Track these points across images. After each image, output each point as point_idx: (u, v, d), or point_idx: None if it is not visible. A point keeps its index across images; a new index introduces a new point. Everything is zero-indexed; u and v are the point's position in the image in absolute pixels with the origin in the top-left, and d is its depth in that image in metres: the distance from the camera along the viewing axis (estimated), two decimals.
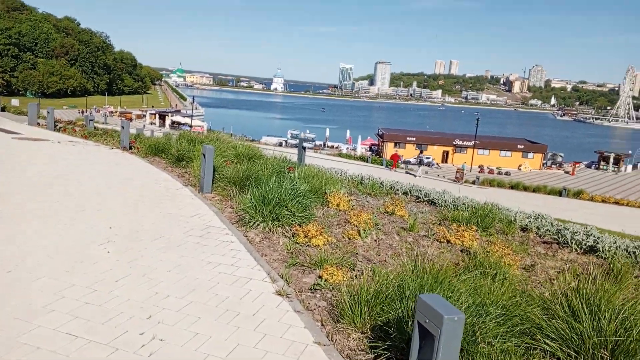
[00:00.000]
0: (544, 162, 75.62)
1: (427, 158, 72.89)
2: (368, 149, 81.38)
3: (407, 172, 43.54)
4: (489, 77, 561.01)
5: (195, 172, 10.50)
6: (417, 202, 12.85)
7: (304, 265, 5.62)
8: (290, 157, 17.76)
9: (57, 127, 17.99)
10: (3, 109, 22.62)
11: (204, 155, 8.82)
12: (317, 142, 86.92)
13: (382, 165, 44.86)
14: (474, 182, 39.80)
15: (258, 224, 6.78)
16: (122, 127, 13.86)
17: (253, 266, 5.41)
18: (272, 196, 6.90)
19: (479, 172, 56.90)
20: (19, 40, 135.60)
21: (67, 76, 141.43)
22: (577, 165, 73.90)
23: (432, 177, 44.98)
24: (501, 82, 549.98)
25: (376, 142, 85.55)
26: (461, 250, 7.14)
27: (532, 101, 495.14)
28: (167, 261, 5.30)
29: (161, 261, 5.28)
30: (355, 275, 5.32)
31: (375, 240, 7.00)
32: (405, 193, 13.99)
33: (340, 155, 47.44)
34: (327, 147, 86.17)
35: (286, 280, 5.12)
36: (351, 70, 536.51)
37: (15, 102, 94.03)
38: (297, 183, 7.94)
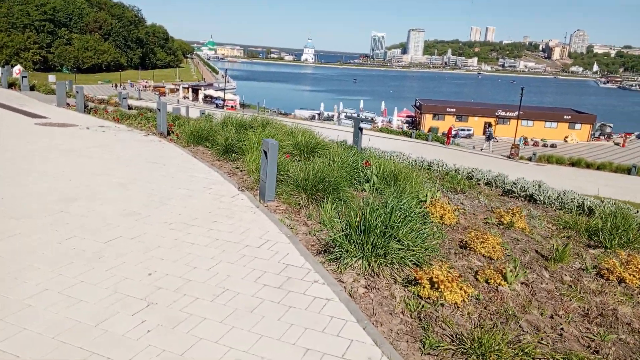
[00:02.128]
0: (592, 133, 71.04)
1: (468, 130, 69.53)
2: (404, 121, 78.09)
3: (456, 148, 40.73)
4: (527, 43, 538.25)
5: (249, 167, 8.49)
6: (505, 195, 10.61)
7: (450, 349, 3.55)
8: (338, 136, 15.59)
9: (88, 107, 16.29)
10: (32, 88, 21.11)
11: (265, 152, 6.78)
12: (360, 115, 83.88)
13: (427, 140, 42.08)
14: (530, 159, 36.74)
15: (355, 262, 4.73)
16: (159, 110, 11.95)
17: (371, 355, 3.37)
18: (375, 222, 4.80)
19: (524, 144, 53.27)
20: (54, 16, 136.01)
21: (101, 51, 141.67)
22: (628, 136, 69.00)
23: (480, 153, 42.03)
24: (540, 48, 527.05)
25: (413, 114, 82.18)
26: None
27: (573, 68, 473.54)
28: (239, 349, 3.31)
29: (231, 349, 3.29)
30: None
31: (527, 285, 4.85)
32: (488, 184, 11.75)
33: (381, 130, 44.78)
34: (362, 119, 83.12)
35: None
36: (383, 38, 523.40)
37: (52, 77, 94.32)
38: (402, 196, 5.80)
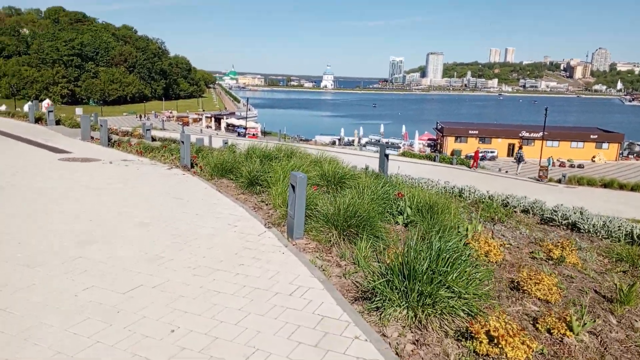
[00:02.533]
0: (620, 152, 69.05)
1: (492, 152, 68.39)
2: (426, 144, 77.26)
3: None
4: (548, 63, 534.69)
5: (275, 201, 8.10)
6: (545, 224, 9.98)
7: None
8: (366, 166, 15.13)
9: (111, 141, 16.28)
10: (58, 122, 21.37)
11: (292, 186, 6.38)
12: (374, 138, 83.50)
13: (451, 163, 41.29)
14: (559, 181, 35.58)
15: (399, 312, 4.23)
16: (182, 142, 11.74)
17: None
18: (420, 266, 4.30)
19: (552, 165, 51.84)
20: (82, 51, 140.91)
21: (126, 83, 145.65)
22: None
23: (507, 176, 41.01)
24: (561, 68, 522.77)
25: (434, 137, 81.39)
26: None
27: (596, 87, 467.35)
28: None
29: None
30: None
31: (595, 335, 4.26)
32: (525, 211, 11.12)
33: (404, 154, 44.20)
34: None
35: None
36: (402, 62, 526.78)
37: (79, 110, 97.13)
38: (444, 233, 5.29)
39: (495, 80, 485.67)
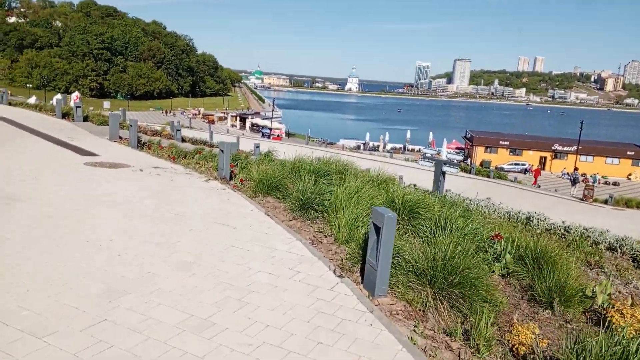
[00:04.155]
0: None
1: (523, 165, 65.97)
2: (454, 153, 74.93)
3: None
4: (578, 74, 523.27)
5: (338, 234, 6.68)
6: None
7: None
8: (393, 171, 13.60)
9: (141, 142, 15.10)
10: (85, 119, 20.35)
11: (376, 227, 4.94)
12: (397, 145, 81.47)
13: (488, 176, 39.37)
14: (606, 202, 33.35)
15: None
16: (222, 152, 10.40)
17: None
18: None
19: (583, 181, 49.32)
20: (111, 45, 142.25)
21: (153, 78, 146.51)
22: None
23: (550, 194, 38.87)
24: (592, 79, 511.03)
25: (463, 146, 79.15)
26: None
27: (628, 100, 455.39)
28: None
29: None
30: None
31: None
32: (611, 248, 9.47)
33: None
34: (408, 150, 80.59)
35: None
36: (428, 68, 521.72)
37: (106, 104, 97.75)
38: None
39: (523, 90, 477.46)
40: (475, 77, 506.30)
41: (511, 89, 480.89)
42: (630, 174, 63.98)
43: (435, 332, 4.39)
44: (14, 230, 6.01)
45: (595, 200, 34.31)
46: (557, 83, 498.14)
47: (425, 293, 4.94)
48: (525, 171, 61.89)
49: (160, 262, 5.33)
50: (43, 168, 10.18)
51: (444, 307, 4.81)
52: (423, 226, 6.83)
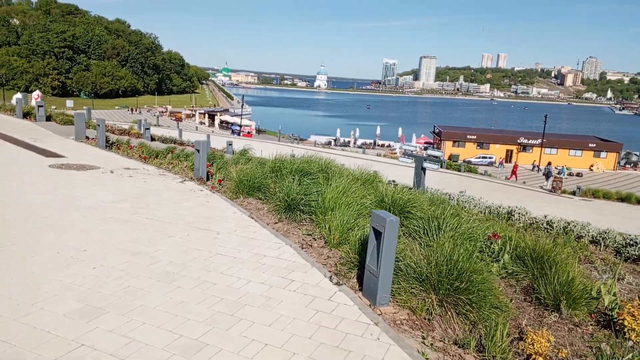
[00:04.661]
0: (618, 161, 68.37)
1: (490, 158, 67.23)
2: (423, 148, 75.80)
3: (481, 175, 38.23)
4: (540, 70, 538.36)
5: (329, 237, 6.32)
6: (629, 262, 8.36)
7: None
8: (380, 172, 13.46)
9: (109, 142, 14.37)
10: (49, 118, 19.34)
11: (376, 231, 4.62)
12: (367, 141, 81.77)
13: (459, 170, 39.75)
14: (574, 193, 34.11)
15: None
16: (197, 151, 9.88)
17: None
18: None
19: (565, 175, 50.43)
20: (73, 43, 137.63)
21: (118, 77, 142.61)
22: None
23: (519, 186, 39.52)
24: (552, 75, 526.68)
25: (431, 141, 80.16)
26: None
27: (587, 95, 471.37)
28: None
29: None
30: None
31: None
32: (594, 242, 9.44)
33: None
34: (378, 146, 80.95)
35: None
36: (395, 65, 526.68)
37: (69, 102, 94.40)
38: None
39: (488, 86, 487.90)
40: (441, 74, 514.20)
41: (476, 84, 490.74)
42: (592, 165, 66.01)
43: (445, 343, 4.09)
44: None
45: (564, 192, 35.06)
46: (520, 79, 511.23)
47: (430, 300, 4.64)
48: (491, 164, 63.09)
49: (140, 273, 4.86)
50: (4, 172, 9.44)
51: (450, 315, 4.53)
52: (416, 226, 6.56)
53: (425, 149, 53.04)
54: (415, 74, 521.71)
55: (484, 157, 66.63)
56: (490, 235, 6.12)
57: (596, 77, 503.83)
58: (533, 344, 4.06)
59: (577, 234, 9.54)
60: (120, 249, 5.51)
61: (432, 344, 4.02)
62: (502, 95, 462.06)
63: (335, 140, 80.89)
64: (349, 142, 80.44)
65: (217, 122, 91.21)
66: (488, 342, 3.90)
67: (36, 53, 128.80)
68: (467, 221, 6.49)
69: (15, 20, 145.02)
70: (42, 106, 19.37)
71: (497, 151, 70.25)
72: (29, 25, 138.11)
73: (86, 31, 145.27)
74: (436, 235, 6.16)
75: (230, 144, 21.93)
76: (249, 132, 78.63)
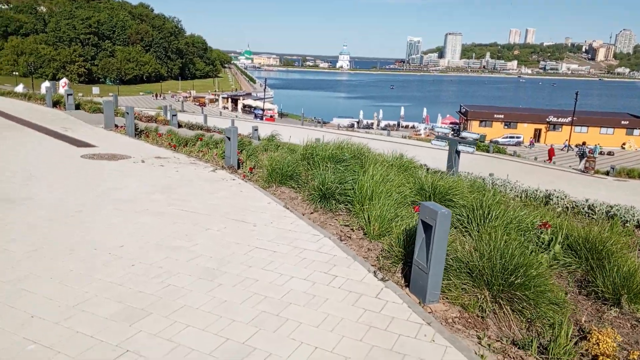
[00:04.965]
0: None
1: (518, 137, 65.59)
2: (450, 128, 74.28)
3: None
4: (569, 45, 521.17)
5: (369, 228, 6.09)
6: None
7: None
8: (399, 150, 13.16)
9: (138, 130, 14.36)
10: (78, 107, 19.50)
11: (425, 224, 4.37)
12: (391, 122, 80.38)
13: (487, 151, 38.86)
14: (607, 173, 32.98)
15: None
16: (228, 139, 9.73)
17: None
18: None
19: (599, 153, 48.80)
20: (98, 29, 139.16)
21: (142, 62, 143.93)
22: None
23: (550, 167, 38.47)
24: (583, 49, 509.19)
25: (457, 120, 78.51)
26: None
27: (619, 69, 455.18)
28: None
29: None
30: None
31: None
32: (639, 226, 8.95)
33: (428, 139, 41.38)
34: (402, 127, 79.63)
35: None
36: (419, 43, 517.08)
37: (95, 89, 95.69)
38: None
39: (515, 62, 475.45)
40: (467, 51, 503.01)
41: (503, 61, 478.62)
42: (624, 143, 63.88)
43: (503, 343, 3.85)
44: (9, 240, 5.38)
45: (597, 172, 33.95)
46: (549, 54, 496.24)
47: (483, 296, 4.39)
48: (518, 144, 61.56)
49: (180, 270, 4.73)
50: (37, 163, 9.49)
51: (504, 312, 4.27)
52: (459, 215, 6.27)
53: (451, 129, 51.95)
54: (440, 52, 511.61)
55: (511, 137, 65.08)
56: (541, 224, 5.79)
57: (630, 50, 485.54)
58: (598, 344, 3.79)
59: (622, 219, 9.08)
60: (158, 244, 5.40)
61: (489, 345, 3.78)
62: (529, 72, 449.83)
63: (358, 122, 79.90)
64: (372, 124, 79.40)
65: (240, 106, 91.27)
66: (552, 343, 3.64)
67: (63, 40, 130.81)
68: (513, 209, 6.17)
69: (42, 7, 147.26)
70: (71, 94, 19.52)
71: (525, 130, 68.46)
72: (55, 12, 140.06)
73: (110, 17, 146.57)
74: (482, 225, 5.87)
75: (256, 129, 21.78)
76: (271, 116, 78.37)
